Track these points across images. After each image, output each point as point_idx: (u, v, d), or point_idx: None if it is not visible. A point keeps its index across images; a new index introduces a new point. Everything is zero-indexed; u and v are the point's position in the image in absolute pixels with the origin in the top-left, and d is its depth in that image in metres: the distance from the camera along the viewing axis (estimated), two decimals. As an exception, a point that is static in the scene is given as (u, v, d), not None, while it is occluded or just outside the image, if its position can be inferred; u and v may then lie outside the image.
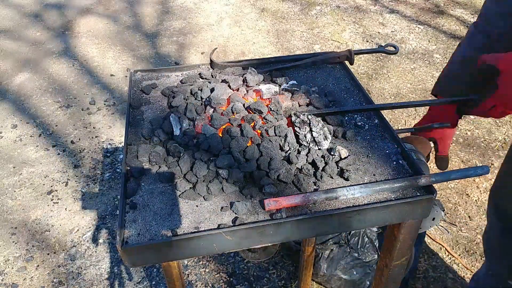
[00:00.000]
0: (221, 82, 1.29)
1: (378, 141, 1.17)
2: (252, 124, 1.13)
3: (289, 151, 1.08)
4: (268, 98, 1.24)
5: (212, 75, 1.36)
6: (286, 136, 1.09)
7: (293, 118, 1.13)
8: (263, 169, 1.04)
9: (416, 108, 3.32)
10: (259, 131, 1.14)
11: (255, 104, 1.16)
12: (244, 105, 1.19)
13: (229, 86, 1.25)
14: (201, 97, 1.22)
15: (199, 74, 1.38)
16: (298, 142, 1.10)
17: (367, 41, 4.22)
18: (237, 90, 1.26)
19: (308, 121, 1.11)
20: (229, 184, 1.02)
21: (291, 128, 1.13)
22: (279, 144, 1.09)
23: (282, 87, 1.32)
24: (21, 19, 4.70)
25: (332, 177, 1.05)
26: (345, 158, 1.08)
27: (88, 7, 4.91)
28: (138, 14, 4.77)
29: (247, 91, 1.26)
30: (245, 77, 1.28)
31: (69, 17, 4.71)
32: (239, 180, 1.02)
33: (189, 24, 4.59)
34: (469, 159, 2.88)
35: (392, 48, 1.50)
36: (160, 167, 1.08)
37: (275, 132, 1.11)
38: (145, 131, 1.16)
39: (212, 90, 1.23)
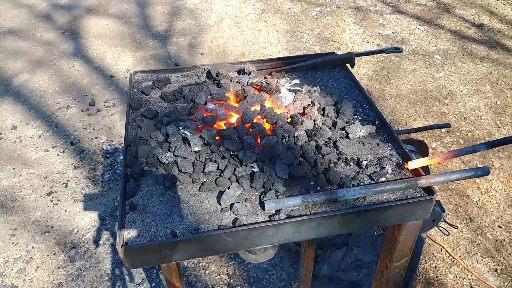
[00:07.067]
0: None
1: (379, 142, 1.16)
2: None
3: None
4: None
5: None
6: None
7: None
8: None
9: (417, 109, 3.32)
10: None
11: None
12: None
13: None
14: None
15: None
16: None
17: (368, 42, 4.22)
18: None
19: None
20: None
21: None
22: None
23: (285, 87, 1.32)
24: (22, 20, 4.70)
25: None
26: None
27: (88, 8, 4.91)
28: (138, 15, 4.78)
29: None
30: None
31: (70, 19, 4.71)
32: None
33: (189, 25, 4.59)
34: (470, 160, 2.87)
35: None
36: (157, 169, 1.07)
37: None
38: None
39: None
